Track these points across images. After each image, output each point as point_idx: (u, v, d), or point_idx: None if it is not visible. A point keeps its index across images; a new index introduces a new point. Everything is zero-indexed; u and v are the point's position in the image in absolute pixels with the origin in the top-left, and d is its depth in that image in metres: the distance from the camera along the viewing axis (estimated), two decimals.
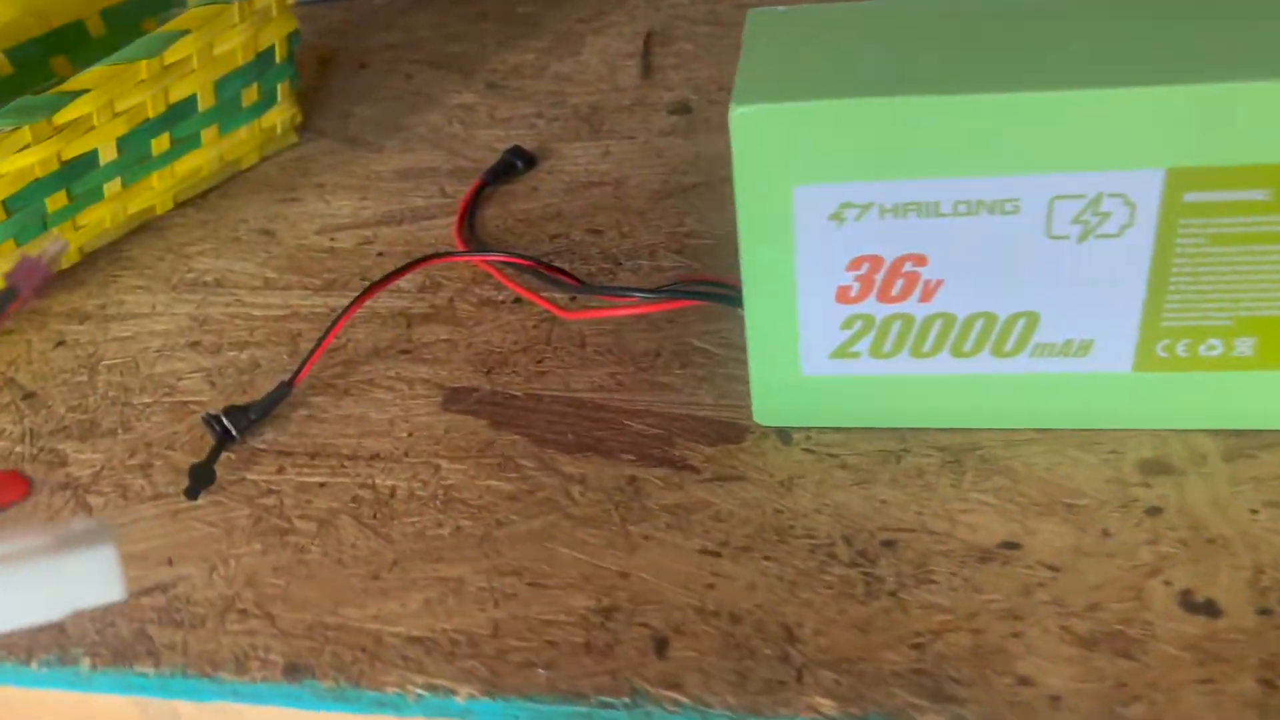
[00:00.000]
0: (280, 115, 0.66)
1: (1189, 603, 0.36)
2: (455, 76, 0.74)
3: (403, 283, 0.55)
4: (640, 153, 0.63)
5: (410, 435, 0.47)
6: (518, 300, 0.54)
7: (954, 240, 0.38)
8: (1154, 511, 0.39)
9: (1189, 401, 0.41)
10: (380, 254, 0.58)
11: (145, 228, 0.63)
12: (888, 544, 0.40)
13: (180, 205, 0.64)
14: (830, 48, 0.39)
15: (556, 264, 0.54)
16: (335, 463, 0.46)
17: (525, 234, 0.58)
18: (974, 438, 0.43)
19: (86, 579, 0.25)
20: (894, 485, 0.42)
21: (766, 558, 0.40)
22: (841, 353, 0.42)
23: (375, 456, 0.46)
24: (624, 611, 0.39)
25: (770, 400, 0.44)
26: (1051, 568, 0.38)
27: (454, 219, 0.60)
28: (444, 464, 0.46)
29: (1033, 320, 0.40)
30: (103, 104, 0.54)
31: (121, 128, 0.56)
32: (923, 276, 0.39)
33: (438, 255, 0.53)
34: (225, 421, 0.46)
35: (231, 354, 0.53)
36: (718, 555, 0.40)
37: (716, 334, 0.50)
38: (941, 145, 0.36)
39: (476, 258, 0.55)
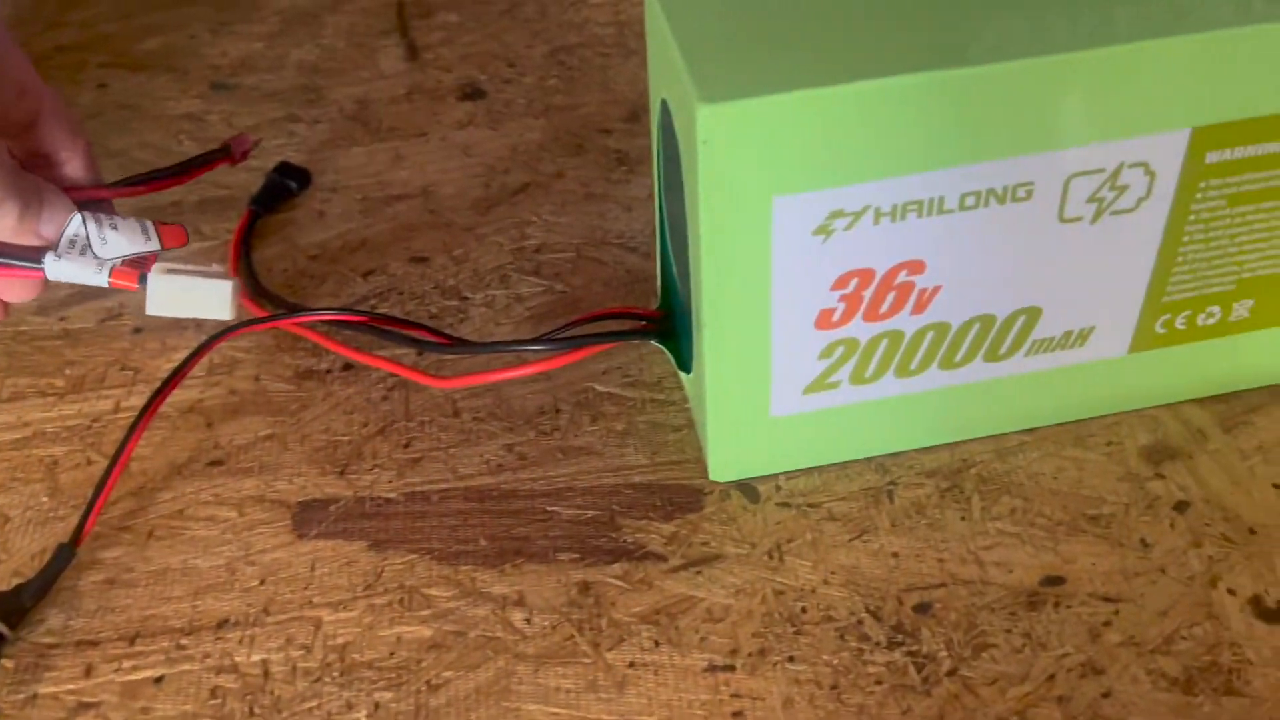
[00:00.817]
0: None
1: (1264, 611, 0.32)
2: (166, 78, 0.59)
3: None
4: (441, 152, 0.52)
5: (263, 582, 0.35)
6: (347, 366, 0.42)
7: (957, 240, 0.31)
8: (1181, 507, 0.35)
9: (1180, 375, 0.37)
10: (138, 330, 0.44)
11: None
12: (922, 609, 0.33)
13: None
14: (780, 20, 0.31)
15: (401, 316, 0.43)
16: (168, 643, 0.34)
17: (328, 275, 0.46)
18: (961, 453, 0.37)
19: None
20: (898, 531, 0.35)
21: (790, 659, 0.32)
22: (818, 385, 0.34)
23: (224, 623, 0.34)
24: None
25: (730, 451, 0.36)
26: (1108, 599, 0.33)
27: (225, 267, 0.46)
28: (325, 615, 0.34)
29: (1033, 316, 0.34)
30: None
31: None
32: (917, 286, 0.32)
33: (238, 327, 0.40)
34: None
35: None
36: (731, 669, 0.32)
37: (618, 372, 0.41)
38: (951, 128, 0.29)
39: (290, 321, 0.42)
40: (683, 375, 0.39)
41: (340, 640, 0.33)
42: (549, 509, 0.37)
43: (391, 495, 0.38)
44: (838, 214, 0.30)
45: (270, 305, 0.44)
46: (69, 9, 0.66)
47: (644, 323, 0.39)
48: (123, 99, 0.57)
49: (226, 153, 0.42)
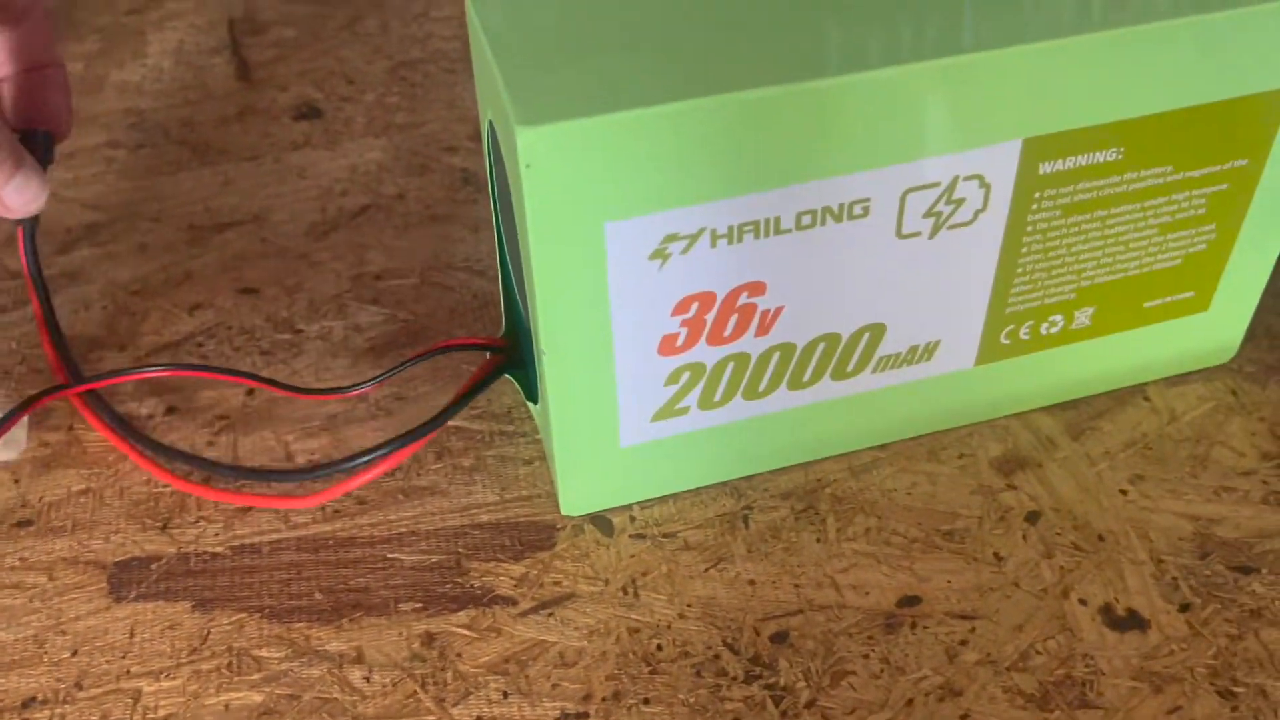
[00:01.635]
0: None
1: (1114, 619, 0.32)
2: None
3: None
4: (274, 175, 0.50)
5: (75, 653, 0.32)
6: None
7: (797, 260, 0.31)
8: (1033, 517, 0.35)
9: (1027, 384, 0.37)
10: None
11: None
12: (779, 638, 0.32)
13: None
14: (605, 38, 0.29)
15: (223, 366, 0.40)
16: None
17: (150, 311, 0.43)
18: (815, 473, 0.36)
19: None
20: (754, 557, 0.34)
21: (646, 701, 0.31)
22: (667, 412, 0.33)
23: (30, 702, 0.31)
24: None
25: (580, 484, 0.34)
26: (964, 617, 0.33)
27: (28, 311, 0.43)
28: (145, 686, 0.31)
29: (878, 333, 0.33)
30: None
31: None
32: (760, 307, 0.31)
33: (57, 390, 0.37)
34: None
35: None
36: (584, 716, 0.30)
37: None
38: (784, 146, 0.28)
39: (104, 383, 0.39)
40: (531, 405, 0.37)
41: (162, 713, 0.31)
42: (390, 556, 0.35)
43: (218, 549, 0.35)
44: (672, 237, 0.29)
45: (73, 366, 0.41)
46: None
47: (490, 355, 0.38)
48: None
49: None
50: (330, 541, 0.35)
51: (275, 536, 0.35)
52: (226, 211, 0.48)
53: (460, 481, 0.37)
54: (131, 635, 0.33)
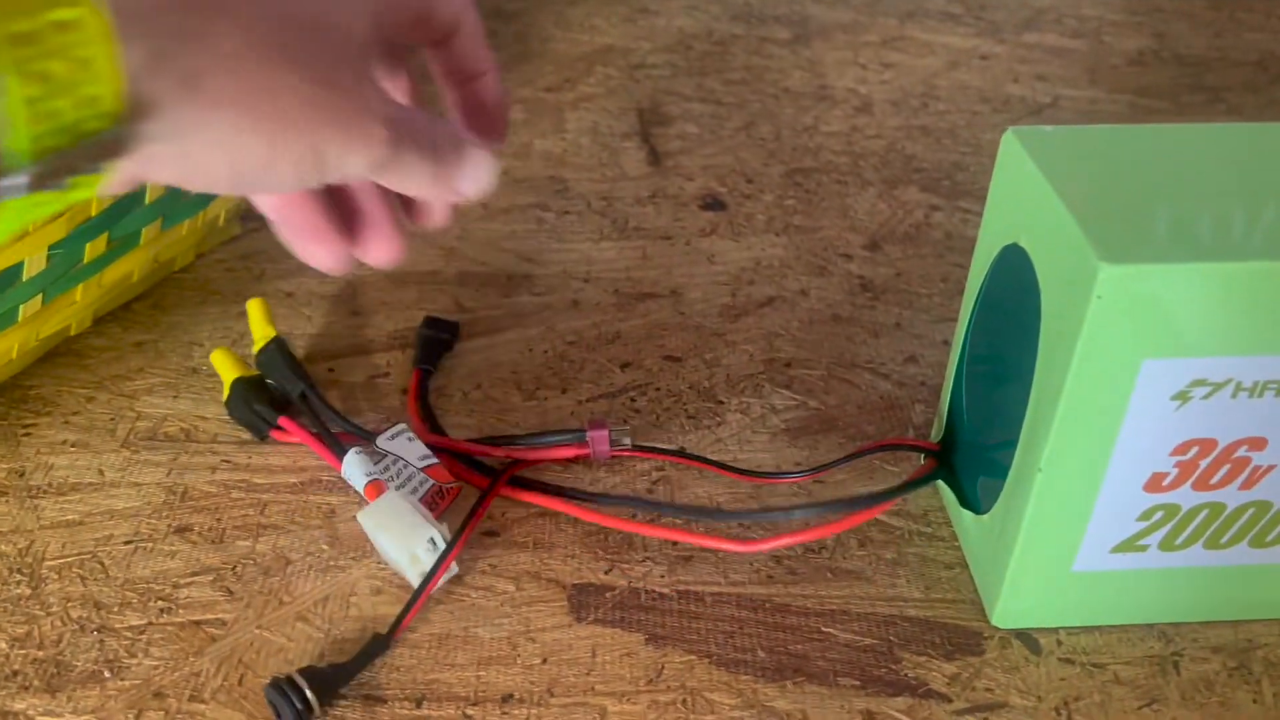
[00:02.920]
0: (225, 200, 0.51)
1: None
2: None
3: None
4: (686, 256, 0.54)
5: (545, 661, 0.35)
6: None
7: None
8: None
9: None
10: (405, 390, 0.46)
11: (55, 355, 0.47)
12: None
13: (99, 322, 0.48)
14: (1152, 187, 0.31)
15: (702, 455, 0.43)
16: (454, 711, 0.34)
17: (586, 363, 0.47)
18: (1245, 633, 0.37)
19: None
20: (1189, 705, 0.34)
21: None
22: (1127, 546, 0.34)
23: (509, 697, 0.34)
24: None
25: (1022, 600, 0.36)
26: None
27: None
28: (609, 705, 0.34)
29: None
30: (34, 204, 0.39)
31: (58, 232, 0.40)
32: (1253, 462, 0.32)
33: (501, 475, 0.41)
34: (308, 694, 0.32)
35: (244, 544, 0.39)
36: None
37: None
38: None
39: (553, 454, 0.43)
40: (961, 512, 0.39)
41: None
42: (824, 630, 0.37)
43: (665, 590, 0.38)
44: (1200, 383, 0.31)
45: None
46: None
47: (925, 458, 0.40)
48: None
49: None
50: (767, 604, 0.37)
51: (715, 589, 0.38)
52: (647, 283, 0.52)
53: (884, 572, 0.39)
54: (594, 655, 0.36)
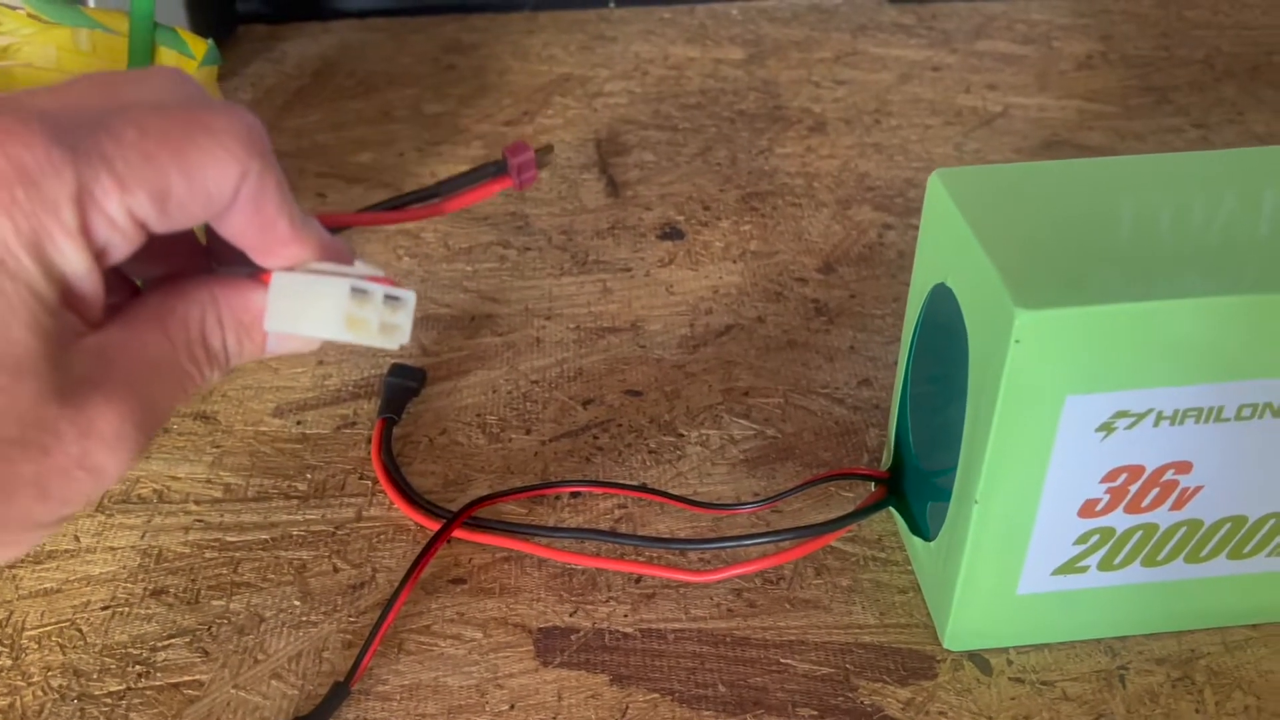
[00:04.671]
0: None
1: None
2: (382, 193, 0.63)
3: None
4: (645, 288, 0.55)
5: (513, 708, 0.37)
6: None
7: (1228, 445, 0.33)
8: None
9: None
10: (370, 441, 0.47)
11: None
12: None
13: None
14: (1069, 227, 0.33)
15: (665, 489, 0.45)
16: None
17: (549, 402, 0.48)
18: (1188, 643, 0.38)
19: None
20: (1134, 718, 0.36)
21: None
22: (1068, 569, 0.36)
23: None
24: None
25: (970, 623, 0.37)
26: None
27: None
28: None
29: None
30: None
31: None
32: (1181, 484, 0.34)
33: (490, 498, 0.42)
34: None
35: (218, 603, 0.40)
36: None
37: None
38: (1240, 347, 0.31)
39: (536, 492, 0.44)
40: (912, 539, 0.40)
41: None
42: (783, 661, 0.38)
43: (628, 630, 0.39)
44: (1123, 414, 0.32)
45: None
46: (284, 114, 0.70)
47: (876, 486, 0.41)
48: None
49: (502, 169, 0.33)
50: (728, 638, 0.39)
51: (677, 625, 0.39)
52: (607, 317, 0.53)
53: (840, 600, 0.40)
54: (559, 698, 0.37)
